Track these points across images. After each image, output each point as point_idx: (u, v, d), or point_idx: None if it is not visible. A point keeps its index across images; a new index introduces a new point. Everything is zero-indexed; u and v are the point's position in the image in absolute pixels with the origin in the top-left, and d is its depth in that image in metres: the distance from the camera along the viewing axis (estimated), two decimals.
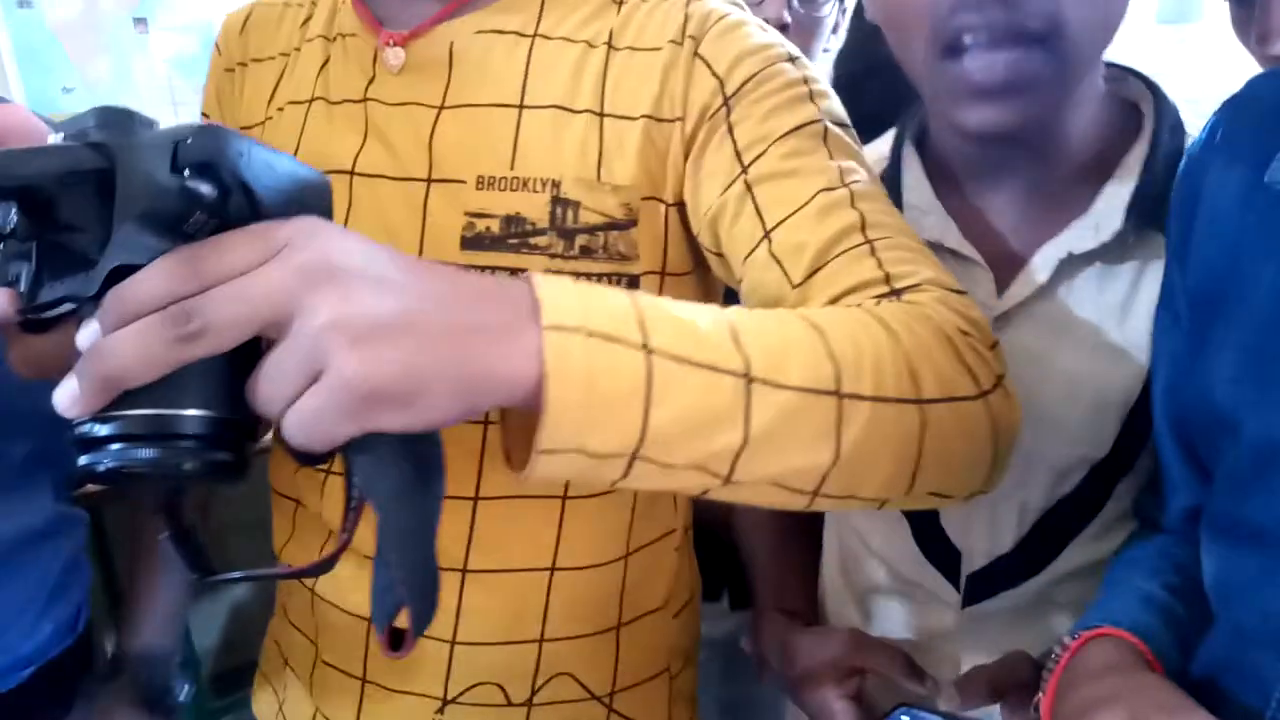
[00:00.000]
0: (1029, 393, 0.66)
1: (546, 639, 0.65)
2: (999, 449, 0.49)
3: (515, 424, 0.43)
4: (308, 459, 0.36)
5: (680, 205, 0.60)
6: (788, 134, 0.56)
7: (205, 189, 0.35)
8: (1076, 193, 0.66)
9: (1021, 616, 0.69)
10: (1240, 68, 0.64)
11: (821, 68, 1.19)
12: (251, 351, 0.35)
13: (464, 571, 0.63)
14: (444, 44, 0.61)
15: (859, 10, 1.13)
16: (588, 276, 0.58)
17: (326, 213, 0.39)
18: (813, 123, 0.56)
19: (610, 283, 0.59)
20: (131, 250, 0.34)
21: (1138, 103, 0.68)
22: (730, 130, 0.57)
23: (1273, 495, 0.46)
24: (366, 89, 0.62)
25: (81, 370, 0.33)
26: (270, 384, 0.34)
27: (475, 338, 0.36)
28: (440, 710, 0.66)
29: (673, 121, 0.58)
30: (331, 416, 0.33)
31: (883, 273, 0.51)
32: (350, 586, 0.65)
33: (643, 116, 0.58)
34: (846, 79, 1.16)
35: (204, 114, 0.72)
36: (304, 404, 0.33)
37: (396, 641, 0.43)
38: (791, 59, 0.59)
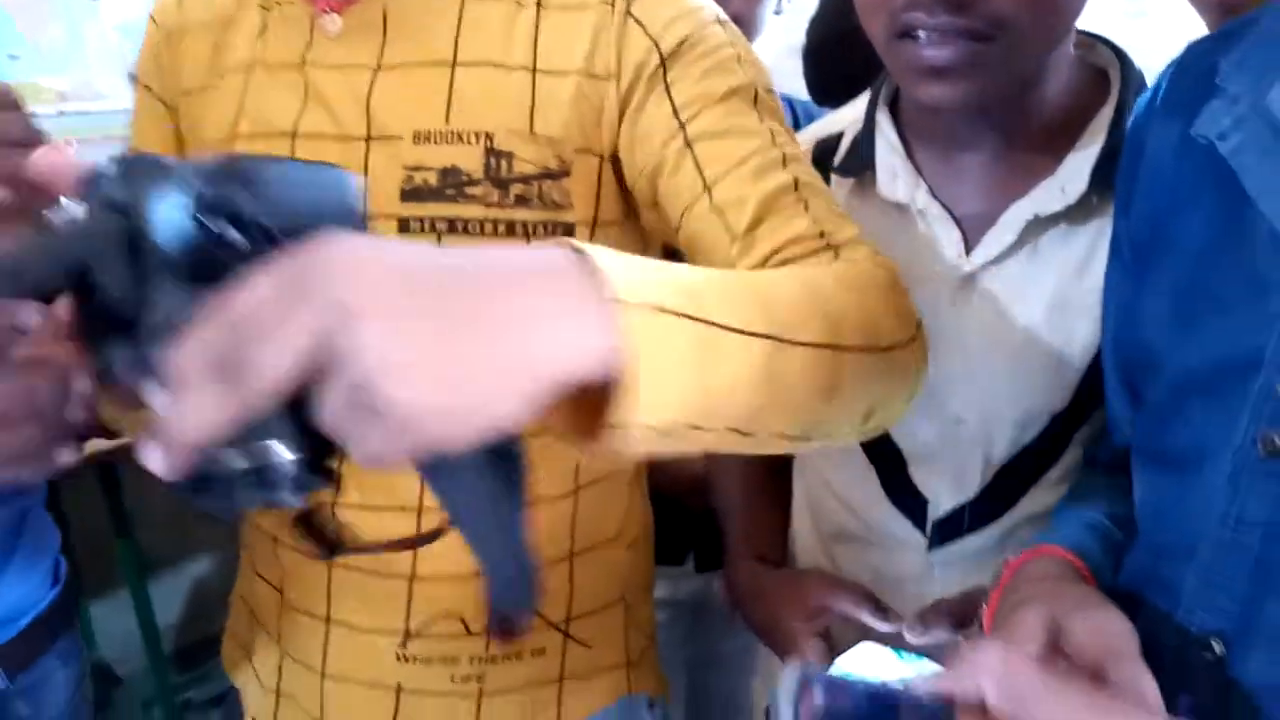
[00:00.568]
0: (995, 348, 0.70)
1: None
2: (917, 386, 0.54)
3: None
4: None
5: (615, 159, 0.63)
6: (724, 96, 0.60)
7: (230, 235, 0.35)
8: (1044, 155, 0.68)
9: (984, 560, 0.72)
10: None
11: (776, 28, 1.21)
12: None
13: (419, 510, 0.66)
14: (378, 8, 0.63)
15: None
16: (523, 224, 0.62)
17: (350, 213, 0.39)
18: (745, 86, 0.61)
19: (546, 231, 0.63)
20: (168, 307, 0.35)
21: (1106, 69, 0.71)
22: (668, 89, 0.61)
23: (1188, 424, 0.50)
24: (305, 54, 0.64)
25: (160, 437, 0.33)
26: (331, 420, 0.33)
27: (534, 333, 0.35)
28: (403, 644, 0.68)
29: (606, 79, 0.61)
30: (393, 451, 0.33)
31: (817, 229, 0.56)
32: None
33: (575, 72, 0.61)
34: (819, 44, 1.18)
35: (143, 84, 0.73)
36: (364, 440, 0.33)
37: (506, 629, 0.44)
38: (720, 21, 0.63)
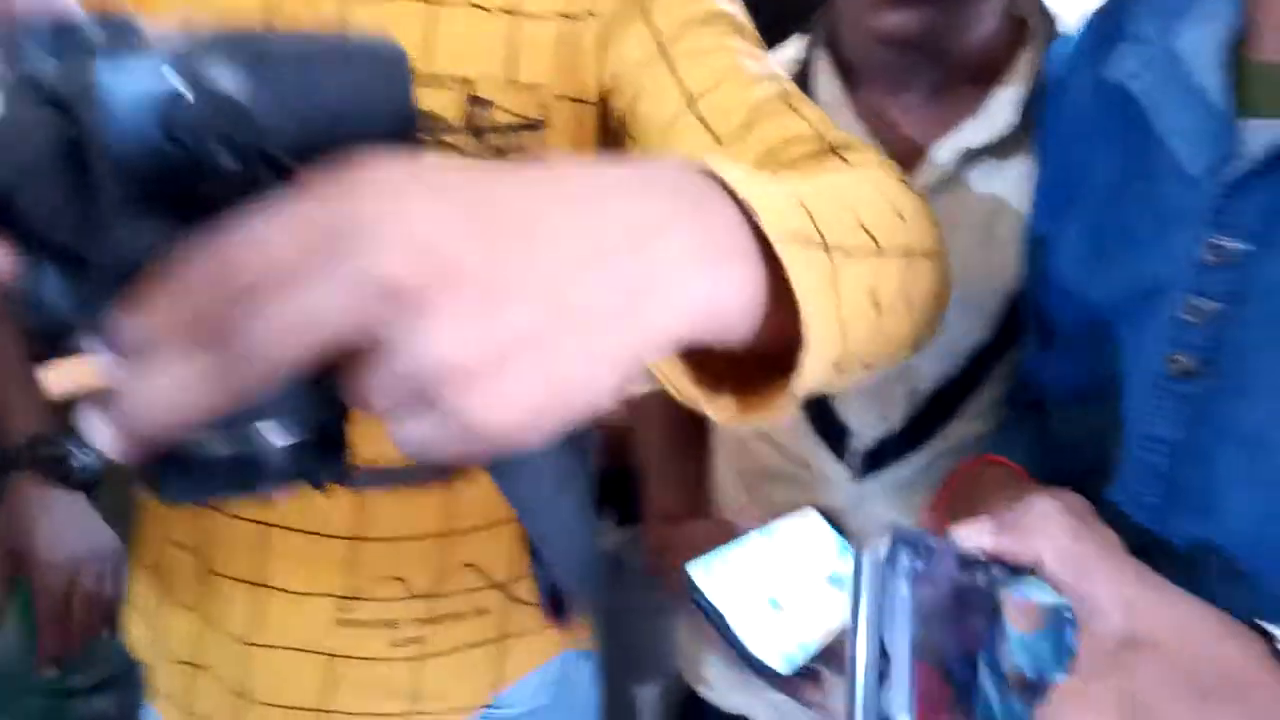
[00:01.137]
0: None
1: (455, 532, 0.66)
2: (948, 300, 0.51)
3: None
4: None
5: (602, 102, 0.61)
6: (705, 19, 0.58)
7: (221, 159, 0.25)
8: (972, 94, 0.73)
9: (905, 492, 0.75)
10: None
11: None
12: None
13: (364, 469, 0.63)
14: None
15: None
16: None
17: (402, 113, 0.29)
18: (725, 13, 0.59)
19: None
20: (127, 240, 0.26)
21: (1026, 16, 0.75)
22: (647, 16, 0.59)
23: (1106, 354, 0.52)
24: None
25: (114, 414, 0.25)
26: (367, 402, 0.25)
27: (662, 293, 0.27)
28: (342, 608, 0.66)
29: (584, 18, 0.59)
30: (451, 449, 0.25)
31: (814, 130, 0.53)
32: None
33: (555, 14, 0.59)
34: None
35: None
36: (415, 430, 0.25)
37: (558, 609, 0.42)
38: None
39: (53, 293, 0.27)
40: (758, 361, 0.35)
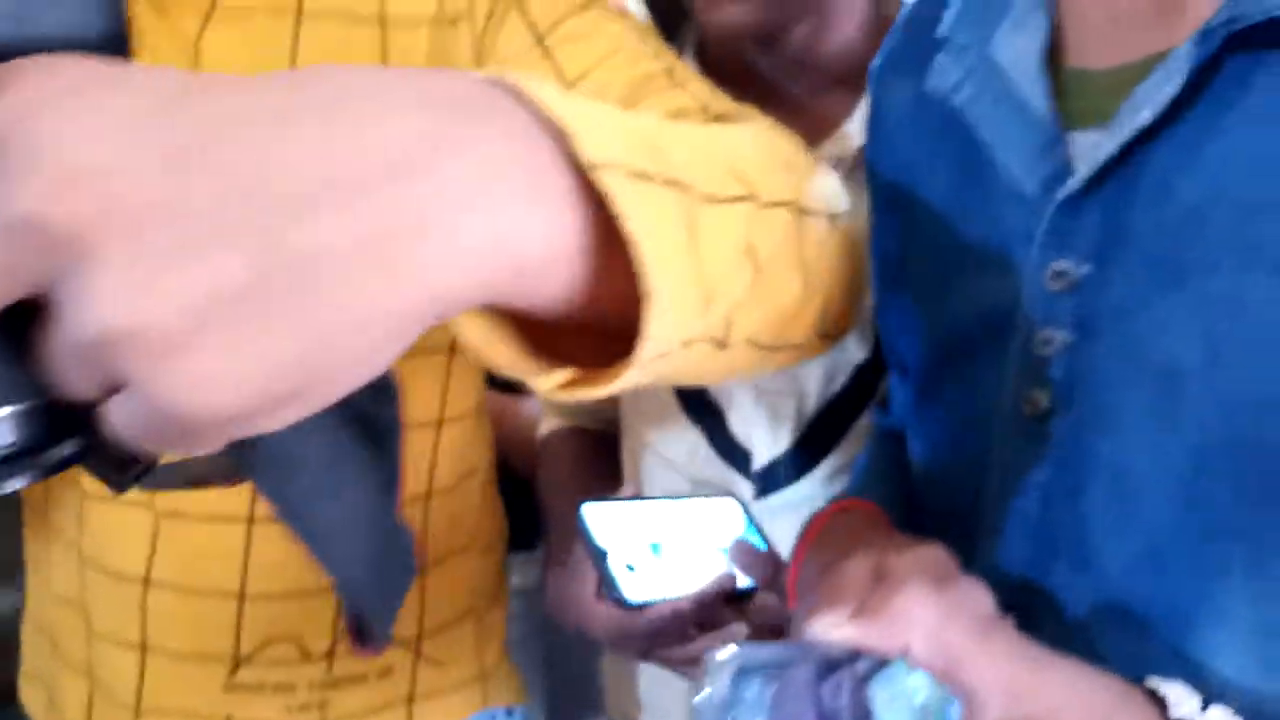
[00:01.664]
0: None
1: None
2: (862, 279, 0.46)
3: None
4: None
5: None
6: (584, 5, 0.55)
7: None
8: (839, 104, 0.71)
9: (810, 509, 0.72)
10: None
11: None
12: None
13: (250, 521, 0.59)
14: None
15: None
16: None
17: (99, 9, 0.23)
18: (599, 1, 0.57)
19: None
20: None
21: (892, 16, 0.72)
22: (523, 11, 0.55)
23: (956, 389, 0.49)
24: None
25: None
26: (60, 375, 0.20)
27: (424, 217, 0.21)
28: (233, 672, 0.62)
29: (457, 23, 0.56)
30: (156, 442, 0.21)
31: (699, 104, 0.51)
32: (116, 541, 0.60)
33: (428, 22, 0.56)
34: None
35: None
36: (116, 413, 0.20)
37: (364, 640, 0.36)
38: None
39: None
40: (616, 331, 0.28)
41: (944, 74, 0.48)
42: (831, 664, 0.36)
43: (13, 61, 0.19)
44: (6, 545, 0.73)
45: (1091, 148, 0.41)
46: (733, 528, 0.68)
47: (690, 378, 0.36)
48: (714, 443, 0.77)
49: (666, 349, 0.28)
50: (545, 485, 0.89)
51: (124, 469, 0.25)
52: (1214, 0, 0.38)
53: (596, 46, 0.54)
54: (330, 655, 0.63)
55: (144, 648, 0.62)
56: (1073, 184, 0.41)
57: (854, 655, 0.36)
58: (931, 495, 0.53)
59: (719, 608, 0.60)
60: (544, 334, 0.29)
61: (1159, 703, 0.36)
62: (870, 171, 0.57)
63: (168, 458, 0.26)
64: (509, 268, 0.23)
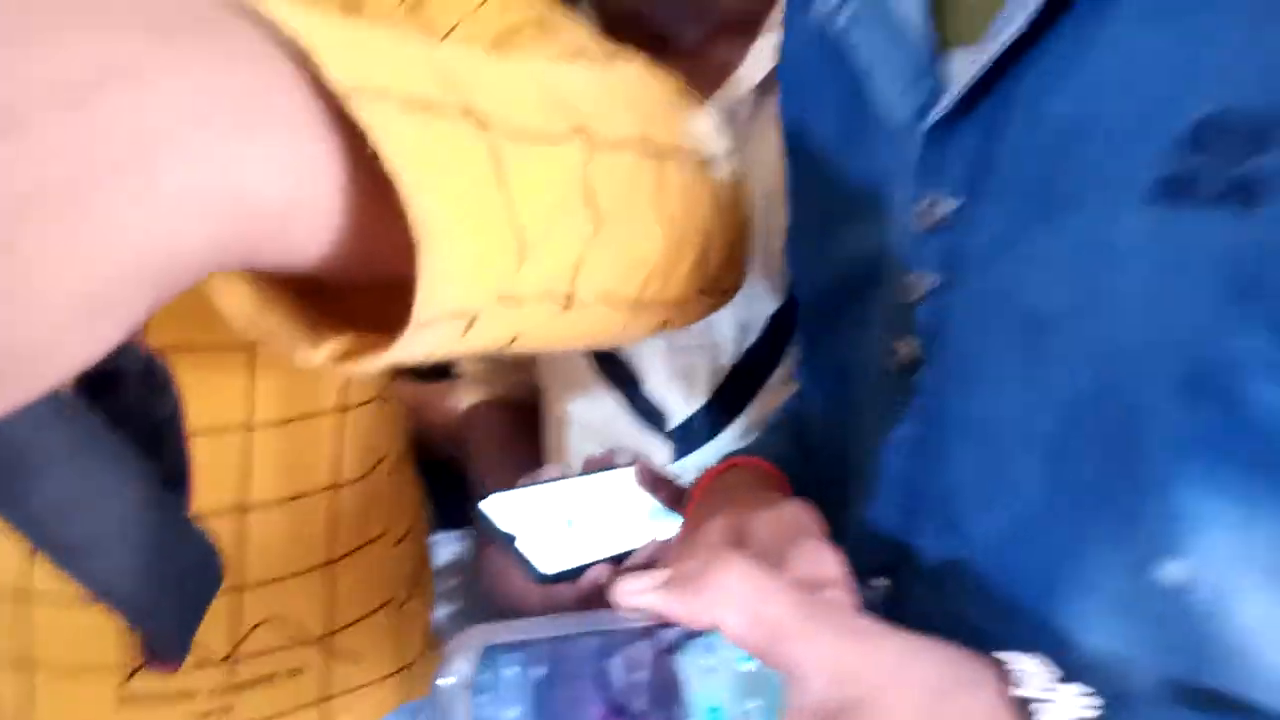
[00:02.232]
0: None
1: (246, 586, 0.59)
2: (746, 230, 0.43)
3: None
4: None
5: None
6: None
7: None
8: (734, 51, 0.70)
9: None
10: None
11: None
12: None
13: None
14: None
15: None
16: None
17: None
18: None
19: None
20: None
21: None
22: None
23: (836, 338, 0.46)
24: None
25: None
26: None
27: (112, 157, 0.18)
28: (123, 682, 0.59)
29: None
30: None
31: (572, 50, 0.47)
32: None
33: None
34: None
35: None
36: None
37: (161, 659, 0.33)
38: None
39: None
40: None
41: (825, 0, 0.44)
42: (621, 639, 0.32)
43: None
44: None
45: (964, 65, 0.37)
46: (646, 495, 0.65)
47: (542, 342, 0.32)
48: (634, 406, 0.77)
49: (465, 306, 0.25)
50: (472, 460, 0.88)
51: None
52: None
53: (468, 3, 0.50)
54: (232, 658, 0.60)
55: (22, 661, 0.59)
56: (940, 108, 0.37)
57: (651, 629, 0.33)
58: (820, 450, 0.50)
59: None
60: (348, 304, 0.26)
61: (1009, 678, 0.33)
62: (781, 113, 0.53)
63: None
64: (239, 215, 0.20)
